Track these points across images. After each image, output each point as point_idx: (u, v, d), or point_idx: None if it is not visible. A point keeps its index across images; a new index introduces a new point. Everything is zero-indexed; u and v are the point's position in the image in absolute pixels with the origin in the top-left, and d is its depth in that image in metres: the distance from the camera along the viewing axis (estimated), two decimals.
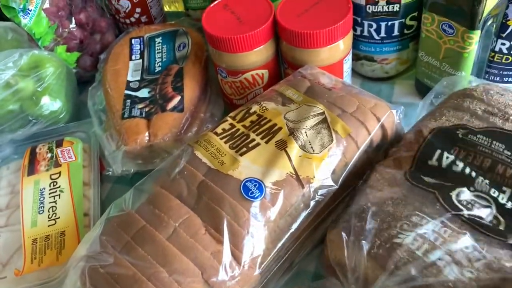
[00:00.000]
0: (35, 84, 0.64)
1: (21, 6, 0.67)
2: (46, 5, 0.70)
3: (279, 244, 0.46)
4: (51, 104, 0.66)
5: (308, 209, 0.46)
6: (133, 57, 0.71)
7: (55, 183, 0.61)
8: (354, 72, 0.72)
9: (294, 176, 0.46)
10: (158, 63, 0.70)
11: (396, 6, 0.61)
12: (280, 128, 0.50)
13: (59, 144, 0.66)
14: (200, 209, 0.46)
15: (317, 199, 0.47)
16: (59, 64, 0.67)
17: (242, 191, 0.46)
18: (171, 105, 0.63)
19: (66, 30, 0.72)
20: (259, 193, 0.45)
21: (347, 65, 0.62)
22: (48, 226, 0.57)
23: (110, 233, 0.46)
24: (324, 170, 0.47)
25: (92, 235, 0.47)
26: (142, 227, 0.45)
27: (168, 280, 0.42)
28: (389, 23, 0.63)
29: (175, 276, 0.42)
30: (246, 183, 0.46)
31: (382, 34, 0.64)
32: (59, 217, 0.58)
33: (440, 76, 0.62)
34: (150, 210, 0.46)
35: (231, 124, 0.52)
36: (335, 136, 0.48)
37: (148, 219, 0.45)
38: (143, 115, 0.62)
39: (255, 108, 0.53)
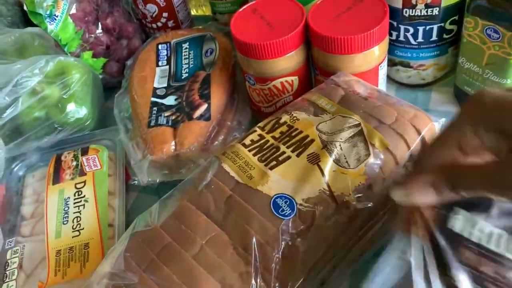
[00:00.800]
0: (61, 91, 0.63)
1: (48, 12, 0.66)
2: (73, 11, 0.69)
3: (310, 265, 0.43)
4: (76, 111, 0.65)
5: (342, 228, 0.44)
6: (159, 63, 0.70)
7: (80, 193, 0.60)
8: (389, 79, 0.68)
9: (328, 192, 0.44)
10: (185, 69, 0.68)
11: (436, 10, 0.57)
12: (312, 140, 0.47)
13: (85, 152, 0.65)
14: (228, 226, 0.43)
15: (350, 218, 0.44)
16: (85, 71, 0.66)
17: (272, 208, 0.43)
18: (197, 113, 0.61)
19: (93, 35, 0.71)
20: (290, 211, 0.43)
21: (383, 72, 0.58)
22: (72, 237, 0.56)
23: (135, 249, 0.44)
24: (361, 187, 0.44)
25: (117, 250, 0.46)
26: (167, 244, 0.43)
27: None
28: (427, 27, 0.59)
29: None
30: (276, 200, 0.44)
31: (420, 39, 0.61)
32: (83, 228, 0.56)
33: (483, 83, 0.58)
34: (176, 226, 0.44)
35: (260, 135, 0.50)
36: (372, 149, 0.45)
37: (174, 236, 0.44)
38: (170, 124, 0.61)
39: (285, 118, 0.51)
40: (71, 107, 0.64)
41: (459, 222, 0.34)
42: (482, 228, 0.34)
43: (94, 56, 0.71)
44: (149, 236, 0.45)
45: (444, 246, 0.35)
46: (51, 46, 0.66)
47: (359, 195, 0.44)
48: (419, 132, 0.46)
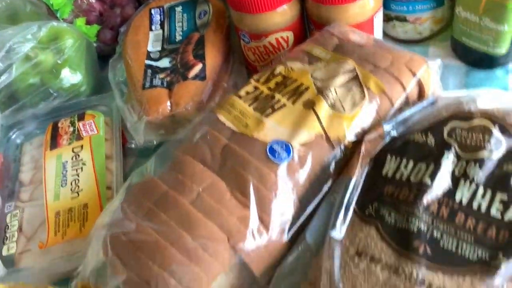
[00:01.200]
0: (55, 57, 0.63)
1: None
2: None
3: (309, 209, 0.43)
4: (71, 76, 0.64)
5: (336, 170, 0.43)
6: (153, 28, 0.69)
7: (77, 156, 0.60)
8: (385, 35, 0.67)
9: (324, 136, 0.43)
10: (178, 32, 0.67)
11: None
12: (307, 88, 0.46)
13: (81, 117, 0.64)
14: (225, 173, 0.43)
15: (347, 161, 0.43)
16: (78, 36, 0.65)
17: (268, 153, 0.43)
18: (192, 73, 0.60)
19: (85, 1, 0.70)
20: (287, 155, 0.42)
21: (378, 23, 0.58)
22: (71, 199, 0.56)
23: (132, 200, 0.44)
24: (357, 130, 0.44)
25: (114, 204, 0.46)
26: (164, 193, 0.43)
27: (192, 245, 0.39)
28: None
29: (200, 241, 0.40)
30: (273, 145, 0.43)
31: None
32: (81, 190, 0.56)
33: (480, 33, 0.57)
34: (173, 176, 0.44)
35: (255, 86, 0.49)
36: (368, 93, 0.44)
37: (171, 185, 0.43)
38: (165, 85, 0.60)
39: (280, 69, 0.50)
40: (65, 72, 0.64)
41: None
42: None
43: (87, 23, 0.70)
44: (145, 187, 0.44)
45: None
46: (43, 12, 0.65)
47: (355, 138, 0.43)
48: (414, 74, 0.45)
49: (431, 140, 0.41)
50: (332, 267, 0.38)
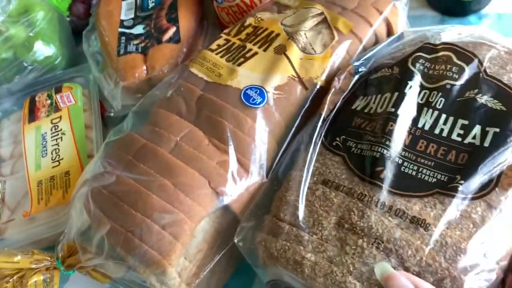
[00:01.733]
0: (27, 30, 0.62)
1: None
2: None
3: (282, 149, 0.43)
4: (45, 49, 0.64)
5: (310, 109, 0.44)
6: None
7: (56, 127, 0.59)
8: None
9: (297, 78, 0.44)
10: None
11: None
12: (278, 35, 0.47)
13: (58, 90, 0.64)
14: (202, 122, 0.44)
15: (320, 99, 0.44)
16: (49, 8, 0.65)
17: (243, 99, 0.43)
18: (166, 36, 0.60)
19: None
20: (261, 99, 0.43)
21: None
22: (52, 167, 0.55)
23: (111, 155, 0.44)
24: (328, 69, 0.44)
25: (93, 161, 0.46)
26: (142, 145, 0.43)
27: (173, 191, 0.40)
28: None
29: (181, 187, 0.40)
30: (247, 91, 0.44)
31: None
32: (62, 158, 0.56)
33: None
34: (150, 129, 0.44)
35: (226, 39, 0.50)
36: (337, 33, 0.45)
37: (149, 137, 0.44)
38: (139, 50, 0.60)
39: (250, 20, 0.50)
40: (38, 45, 0.63)
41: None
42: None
43: None
44: (123, 141, 0.45)
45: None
46: None
47: (327, 76, 0.44)
48: (381, 13, 0.46)
49: (396, 71, 0.42)
50: (291, 197, 0.39)
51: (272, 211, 0.40)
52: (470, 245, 0.33)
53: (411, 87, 0.40)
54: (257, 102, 0.43)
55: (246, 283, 0.46)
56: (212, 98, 0.44)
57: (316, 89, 0.44)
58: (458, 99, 0.39)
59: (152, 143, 0.43)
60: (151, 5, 0.66)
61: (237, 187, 0.41)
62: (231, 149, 0.41)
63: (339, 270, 0.34)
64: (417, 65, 0.41)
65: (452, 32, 0.43)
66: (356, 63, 0.43)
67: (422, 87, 0.40)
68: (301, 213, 0.38)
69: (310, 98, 0.44)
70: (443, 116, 0.38)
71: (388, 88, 0.41)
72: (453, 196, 0.35)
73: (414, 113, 0.39)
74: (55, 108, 0.62)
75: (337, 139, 0.41)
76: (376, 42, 0.46)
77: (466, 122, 0.37)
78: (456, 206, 0.34)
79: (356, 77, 0.44)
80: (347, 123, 0.41)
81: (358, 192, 0.37)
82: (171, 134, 0.43)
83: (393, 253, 0.34)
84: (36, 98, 0.64)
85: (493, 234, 0.34)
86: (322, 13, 0.46)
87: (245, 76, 0.45)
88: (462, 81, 0.39)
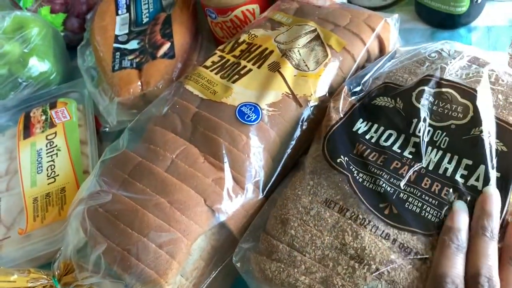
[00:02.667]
0: (21, 46, 0.62)
1: None
2: None
3: (281, 166, 0.44)
4: (39, 65, 0.64)
5: (306, 128, 0.44)
6: (119, 12, 0.69)
7: (51, 143, 0.60)
8: (350, 3, 0.68)
9: (291, 96, 0.44)
10: (145, 14, 0.67)
11: None
12: (271, 52, 0.47)
13: (53, 105, 0.64)
14: (197, 139, 0.44)
15: (314, 117, 0.44)
16: (43, 25, 0.65)
17: (238, 116, 0.44)
18: (161, 52, 0.60)
19: None
20: (256, 116, 0.43)
21: None
22: (48, 184, 0.56)
23: (106, 173, 0.44)
24: (322, 87, 0.45)
25: (89, 179, 0.46)
26: (138, 163, 0.43)
27: (169, 210, 0.40)
28: None
29: (177, 205, 0.40)
30: (241, 108, 0.44)
31: None
32: (58, 175, 0.56)
33: None
34: (145, 147, 0.45)
35: (220, 56, 0.50)
36: (330, 51, 0.46)
37: (144, 155, 0.44)
38: (134, 66, 0.60)
39: (244, 37, 0.51)
40: (33, 61, 0.63)
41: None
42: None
43: (52, 11, 0.70)
44: (119, 159, 0.45)
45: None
46: (6, 4, 0.65)
47: (321, 94, 0.44)
48: (373, 30, 0.46)
49: (399, 104, 0.42)
50: (285, 216, 0.39)
51: (267, 229, 0.41)
52: None
53: (416, 126, 0.40)
54: (252, 119, 0.43)
55: None
56: (207, 115, 0.44)
57: (310, 106, 0.44)
58: (463, 138, 0.39)
59: (147, 161, 0.43)
60: (145, 20, 0.67)
61: (233, 204, 0.41)
62: (227, 166, 0.42)
63: None
64: (422, 100, 0.41)
65: (446, 48, 0.44)
66: (351, 83, 0.44)
67: (426, 124, 0.40)
68: (295, 232, 0.38)
69: (306, 115, 0.44)
70: (448, 155, 0.39)
71: (392, 124, 0.41)
72: None
73: (418, 150, 0.39)
74: (50, 124, 0.62)
75: (342, 157, 0.41)
76: (369, 58, 0.47)
77: (470, 162, 0.38)
78: None
79: (354, 97, 0.44)
80: (349, 147, 0.41)
81: (361, 217, 0.37)
82: (166, 152, 0.43)
83: (384, 275, 0.34)
84: (31, 114, 0.64)
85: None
86: (315, 30, 0.47)
87: (239, 93, 0.45)
88: (467, 119, 0.40)
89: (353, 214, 0.37)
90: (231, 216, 0.41)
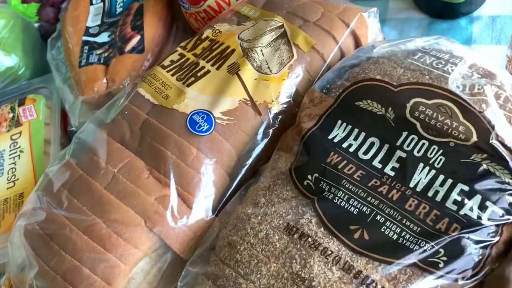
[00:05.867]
0: None
1: None
2: None
3: (237, 181, 0.39)
4: (5, 59, 0.60)
5: (267, 139, 0.39)
6: (93, 1, 0.64)
7: (15, 144, 0.56)
8: None
9: (249, 102, 0.39)
10: (119, 3, 0.63)
11: None
12: (233, 51, 0.42)
13: (22, 102, 0.61)
14: (144, 151, 0.40)
15: (277, 126, 0.39)
16: (11, 16, 0.61)
17: (188, 125, 0.39)
18: (129, 46, 0.56)
19: None
20: (208, 126, 0.39)
21: None
22: (7, 189, 0.53)
23: (46, 187, 0.41)
24: (285, 92, 0.40)
25: (33, 191, 0.43)
26: (78, 177, 0.40)
27: (105, 232, 0.36)
28: None
29: (114, 226, 0.36)
30: (193, 116, 0.39)
31: None
32: (18, 179, 0.53)
33: None
34: (89, 158, 0.41)
35: (180, 54, 0.45)
36: (296, 50, 0.40)
37: (86, 168, 0.40)
38: (101, 61, 0.56)
39: (207, 33, 0.46)
40: None
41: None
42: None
43: (24, 1, 0.66)
44: (60, 172, 0.41)
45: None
46: None
47: (284, 101, 0.39)
48: (347, 25, 0.41)
49: (390, 114, 0.37)
50: (233, 237, 0.35)
51: (216, 250, 0.37)
52: None
53: (406, 139, 0.35)
54: (203, 130, 0.38)
55: None
56: (156, 124, 0.40)
57: (272, 114, 0.39)
58: (461, 161, 0.33)
59: (88, 175, 0.39)
60: (118, 10, 0.62)
61: (178, 226, 0.37)
62: (173, 183, 0.37)
63: None
64: (416, 113, 0.35)
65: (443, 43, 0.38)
66: (323, 83, 0.38)
67: (420, 137, 0.35)
68: (240, 257, 0.34)
69: (267, 124, 0.39)
70: (441, 177, 0.33)
71: (377, 132, 0.36)
72: (431, 273, 0.30)
73: (406, 166, 0.34)
74: (16, 123, 0.59)
75: (309, 177, 0.36)
76: (342, 57, 0.41)
77: (466, 188, 0.32)
78: (428, 283, 0.30)
79: (328, 96, 0.38)
80: (321, 156, 0.36)
81: (313, 241, 0.33)
82: (109, 165, 0.39)
83: None
84: None
85: None
86: (282, 26, 0.41)
87: (193, 98, 0.40)
88: (469, 142, 0.34)
89: (306, 237, 0.33)
90: (175, 239, 0.37)
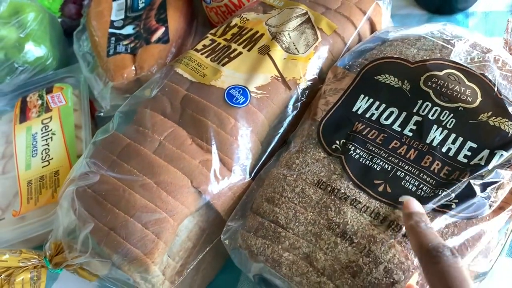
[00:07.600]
0: (17, 31, 0.63)
1: None
2: None
3: (270, 148, 0.44)
4: (35, 49, 0.64)
5: (296, 111, 0.44)
6: None
7: (46, 127, 0.60)
8: None
9: (280, 79, 0.44)
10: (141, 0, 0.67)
11: None
12: (262, 35, 0.47)
13: (49, 90, 0.64)
14: (185, 122, 0.44)
15: (305, 100, 0.44)
16: (40, 10, 0.65)
17: (226, 98, 0.44)
18: (155, 36, 0.61)
19: None
20: (244, 99, 0.43)
21: None
22: (42, 167, 0.56)
23: (96, 155, 0.45)
24: (312, 70, 0.45)
25: (80, 161, 0.46)
26: (127, 145, 0.44)
27: (156, 190, 0.40)
28: None
29: (164, 186, 0.40)
30: (230, 91, 0.44)
31: None
32: (52, 158, 0.57)
33: None
34: (134, 129, 0.45)
35: (211, 39, 0.50)
36: (320, 34, 0.45)
37: (133, 137, 0.44)
38: (129, 51, 0.61)
39: (235, 21, 0.51)
40: (29, 46, 0.64)
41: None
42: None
43: None
44: (108, 141, 0.45)
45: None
46: None
47: (311, 77, 0.44)
48: (364, 13, 0.46)
49: (406, 86, 0.42)
50: (271, 194, 0.39)
51: (253, 208, 0.41)
52: None
53: (422, 105, 0.40)
54: (240, 102, 0.43)
55: (232, 280, 0.47)
56: (195, 98, 0.44)
57: (300, 89, 0.44)
58: (470, 121, 0.39)
59: (135, 142, 0.43)
60: (141, 5, 0.67)
61: (220, 186, 0.41)
62: (214, 148, 0.42)
63: (314, 270, 0.35)
64: (429, 83, 0.41)
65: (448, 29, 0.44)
66: (345, 60, 0.43)
67: (433, 104, 0.40)
68: (279, 209, 0.38)
69: (295, 98, 0.44)
70: (453, 135, 0.38)
71: (395, 102, 0.41)
72: (444, 213, 0.35)
73: (422, 128, 0.39)
74: (46, 109, 0.62)
75: (337, 142, 0.41)
76: (360, 41, 0.47)
77: (475, 145, 0.38)
78: (443, 221, 0.35)
79: (350, 72, 0.43)
80: (347, 126, 0.41)
81: (345, 193, 0.37)
82: (155, 134, 0.43)
83: (366, 249, 0.34)
84: (28, 99, 0.64)
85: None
86: (306, 13, 0.47)
87: (229, 76, 0.45)
88: (475, 103, 0.39)
89: (337, 191, 0.38)
90: (217, 198, 0.41)
